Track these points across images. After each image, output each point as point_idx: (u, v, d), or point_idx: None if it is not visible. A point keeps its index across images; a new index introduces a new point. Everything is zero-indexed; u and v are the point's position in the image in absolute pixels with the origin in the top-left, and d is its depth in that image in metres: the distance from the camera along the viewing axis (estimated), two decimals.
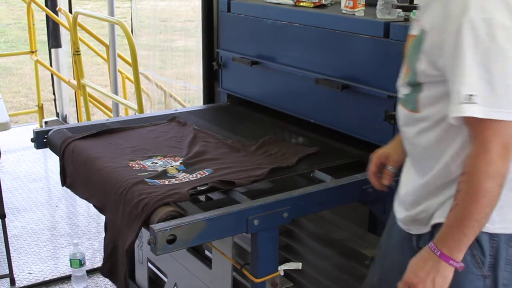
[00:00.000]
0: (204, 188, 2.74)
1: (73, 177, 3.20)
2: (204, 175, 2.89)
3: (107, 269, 2.82)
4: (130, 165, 3.01)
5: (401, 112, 2.28)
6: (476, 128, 1.95)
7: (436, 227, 2.17)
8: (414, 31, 2.19)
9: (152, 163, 3.04)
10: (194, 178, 2.85)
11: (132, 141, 3.34)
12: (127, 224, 2.61)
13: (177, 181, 2.80)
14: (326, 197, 2.77)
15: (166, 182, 2.78)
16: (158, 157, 3.12)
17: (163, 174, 2.89)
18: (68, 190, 3.18)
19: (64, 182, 3.31)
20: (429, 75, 2.09)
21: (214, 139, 3.38)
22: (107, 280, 4.38)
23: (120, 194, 2.71)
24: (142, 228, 2.52)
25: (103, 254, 2.84)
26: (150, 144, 3.32)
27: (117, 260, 2.72)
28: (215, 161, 3.07)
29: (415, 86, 2.17)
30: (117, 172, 2.92)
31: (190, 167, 3.00)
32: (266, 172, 2.92)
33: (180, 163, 3.05)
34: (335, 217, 3.22)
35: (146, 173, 2.88)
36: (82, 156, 3.15)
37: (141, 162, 3.04)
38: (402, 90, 2.26)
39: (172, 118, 3.70)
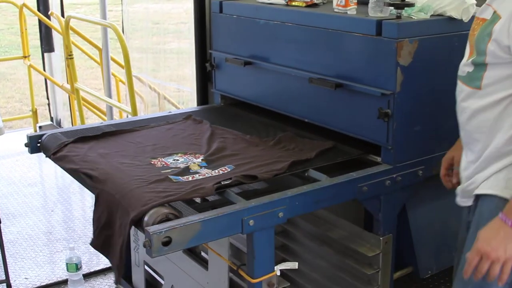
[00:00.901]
0: (228, 182, 2.77)
1: (80, 160, 3.17)
2: (226, 171, 2.93)
3: (100, 242, 2.77)
4: (152, 162, 3.06)
5: (462, 89, 2.51)
6: None
7: (480, 198, 2.42)
8: (484, 14, 2.40)
9: (174, 160, 3.10)
10: (217, 174, 2.90)
11: (151, 140, 3.39)
12: (138, 197, 2.62)
13: (201, 177, 2.85)
14: (321, 196, 2.77)
15: (190, 178, 2.83)
16: (179, 154, 3.17)
17: (186, 170, 2.94)
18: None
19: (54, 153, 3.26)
20: (498, 56, 2.28)
21: (231, 135, 3.43)
22: (104, 283, 4.39)
23: (141, 183, 2.77)
24: (138, 231, 2.51)
25: (93, 228, 2.81)
26: (169, 142, 3.37)
27: (113, 232, 2.67)
28: (235, 156, 3.12)
29: (480, 65, 2.36)
30: (140, 168, 2.98)
31: (212, 163, 3.05)
32: (287, 166, 2.95)
33: (202, 159, 3.10)
34: (331, 216, 3.22)
35: (169, 170, 2.94)
36: (101, 153, 3.19)
37: (163, 160, 3.10)
38: (465, 69, 2.46)
39: (187, 116, 3.74)
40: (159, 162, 3.06)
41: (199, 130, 3.54)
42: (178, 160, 3.10)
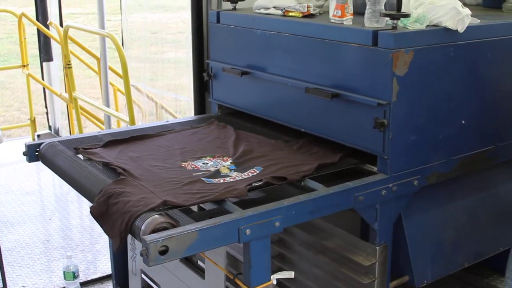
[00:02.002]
0: (259, 184, 2.85)
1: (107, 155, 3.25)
2: (255, 173, 3.00)
3: (101, 210, 2.74)
4: (183, 165, 3.13)
5: None
6: None
7: None
8: None
9: (203, 163, 3.16)
10: (247, 176, 2.96)
11: (178, 144, 3.45)
12: (174, 196, 2.68)
13: (232, 180, 2.93)
14: (317, 206, 2.77)
15: (222, 181, 2.91)
16: (208, 158, 3.24)
17: (217, 173, 3.01)
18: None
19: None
20: None
21: (256, 139, 3.50)
22: None
23: (175, 184, 2.85)
24: (135, 240, 2.52)
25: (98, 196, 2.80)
26: (196, 145, 3.43)
27: (123, 206, 2.63)
28: (262, 158, 3.19)
29: None
30: (172, 171, 3.05)
31: (241, 166, 3.12)
32: (314, 168, 3.02)
33: (231, 162, 3.17)
34: (327, 225, 3.23)
35: (201, 173, 3.02)
36: (132, 156, 3.26)
37: (193, 163, 3.16)
38: None
39: (211, 121, 3.80)
40: (189, 165, 3.13)
41: (223, 134, 3.61)
42: (207, 163, 3.17)
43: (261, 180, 2.87)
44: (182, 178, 2.94)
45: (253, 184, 2.85)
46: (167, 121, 3.92)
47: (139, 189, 2.79)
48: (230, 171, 3.07)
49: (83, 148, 3.32)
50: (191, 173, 3.02)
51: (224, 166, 3.12)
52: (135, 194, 2.71)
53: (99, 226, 2.77)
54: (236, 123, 3.77)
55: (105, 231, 2.69)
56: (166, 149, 3.39)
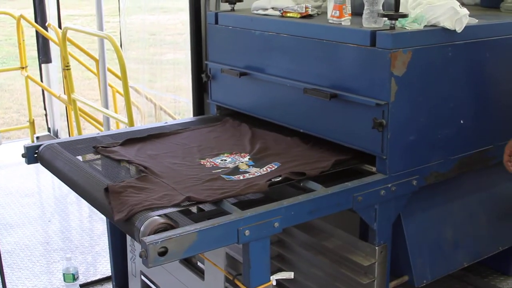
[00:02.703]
0: (279, 179, 2.91)
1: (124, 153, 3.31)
2: (273, 168, 3.09)
3: (117, 191, 2.75)
4: (202, 163, 3.19)
5: None
6: None
7: None
8: None
9: (222, 160, 3.23)
10: (265, 172, 3.03)
11: (195, 142, 3.52)
12: (196, 192, 2.75)
13: (251, 176, 3.00)
14: (316, 206, 2.78)
15: (241, 177, 2.98)
16: (225, 155, 3.31)
17: (236, 170, 3.08)
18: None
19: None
20: None
21: (272, 136, 3.54)
22: None
23: (196, 181, 2.92)
24: (134, 241, 2.52)
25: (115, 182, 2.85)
26: (213, 143, 3.49)
27: (145, 203, 2.64)
28: (279, 155, 3.25)
29: None
30: (191, 168, 3.10)
31: (259, 161, 3.20)
32: (331, 164, 3.08)
33: (249, 158, 3.24)
34: (326, 225, 3.23)
35: (220, 170, 3.09)
36: (150, 154, 3.31)
37: (211, 160, 3.22)
38: None
39: (226, 120, 3.85)
40: (208, 163, 3.19)
41: (239, 131, 3.67)
42: (225, 160, 3.23)
43: (280, 176, 2.93)
44: (202, 175, 3.00)
45: (273, 180, 2.90)
46: (166, 123, 3.92)
47: (161, 186, 2.85)
48: (249, 167, 3.12)
49: (102, 147, 3.37)
50: (210, 170, 3.09)
51: (242, 162, 3.19)
52: (157, 191, 2.77)
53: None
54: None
55: (110, 205, 2.68)
56: (183, 146, 3.44)
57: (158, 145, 3.47)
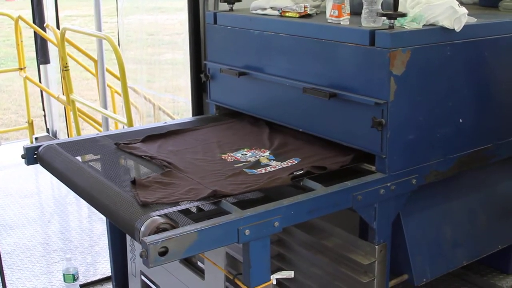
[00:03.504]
0: (301, 172, 2.97)
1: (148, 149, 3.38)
2: (294, 163, 3.14)
3: (144, 185, 2.85)
4: (223, 158, 3.26)
5: None
6: None
7: None
8: None
9: (242, 154, 3.29)
10: (287, 166, 3.09)
11: (214, 138, 3.58)
12: (221, 187, 2.81)
13: (272, 169, 3.07)
14: (316, 205, 2.78)
15: (263, 171, 3.05)
16: (245, 149, 3.37)
17: (257, 164, 3.14)
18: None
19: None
20: None
21: (290, 132, 3.56)
22: None
23: (219, 176, 2.99)
24: (134, 241, 2.53)
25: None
26: (232, 138, 3.55)
27: (172, 198, 2.73)
28: (299, 150, 3.31)
29: None
30: (214, 163, 3.17)
31: (279, 156, 3.26)
32: (350, 158, 3.14)
33: (269, 153, 3.29)
34: (326, 224, 3.24)
35: (241, 164, 3.16)
36: (172, 150, 3.37)
37: (232, 155, 3.29)
38: None
39: (243, 116, 3.88)
40: (229, 157, 3.25)
41: (256, 127, 3.71)
42: (246, 154, 3.29)
43: (302, 169, 2.98)
44: (225, 170, 3.06)
45: (295, 173, 2.95)
46: (165, 123, 3.92)
47: (186, 181, 2.91)
48: (270, 160, 3.19)
49: (124, 143, 3.43)
50: (232, 164, 3.15)
51: (263, 156, 3.24)
52: (183, 186, 2.84)
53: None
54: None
55: (136, 192, 2.75)
56: (202, 142, 3.50)
57: (178, 141, 3.54)
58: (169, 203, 2.66)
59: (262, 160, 3.21)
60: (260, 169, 3.06)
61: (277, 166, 3.10)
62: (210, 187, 2.81)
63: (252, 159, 3.22)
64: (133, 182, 2.86)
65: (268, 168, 3.07)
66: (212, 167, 3.11)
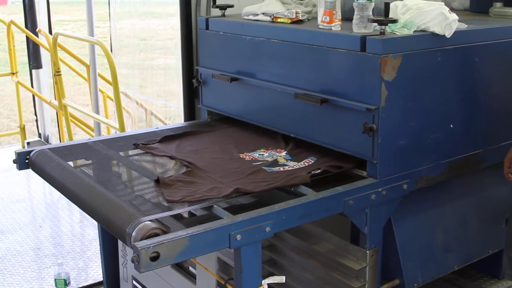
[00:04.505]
0: (318, 171, 3.06)
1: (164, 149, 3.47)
2: (310, 162, 3.22)
3: (167, 184, 2.93)
4: (241, 157, 3.32)
5: None
6: None
7: None
8: None
9: (259, 154, 3.36)
10: (303, 165, 3.18)
11: (229, 138, 3.65)
12: (243, 185, 2.89)
13: (290, 168, 3.15)
14: (308, 210, 2.79)
15: (281, 169, 3.13)
16: (262, 150, 3.43)
17: (275, 163, 3.24)
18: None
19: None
20: None
21: None
22: None
23: (240, 174, 3.06)
24: (126, 246, 2.53)
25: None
26: (247, 139, 3.62)
27: (196, 196, 2.81)
28: (315, 151, 3.34)
29: None
30: (233, 162, 3.24)
31: (296, 156, 3.33)
32: None
33: (286, 153, 3.38)
34: (317, 230, 3.24)
35: (260, 163, 3.24)
36: (190, 150, 3.44)
37: (249, 154, 3.36)
38: None
39: None
40: (247, 157, 3.32)
41: (271, 129, 3.71)
42: (263, 154, 3.36)
43: (319, 168, 3.05)
44: (244, 168, 3.13)
45: (313, 172, 3.02)
46: (157, 128, 3.92)
47: (208, 180, 2.99)
48: (287, 160, 3.24)
49: (142, 144, 3.52)
50: (251, 163, 3.21)
51: (280, 156, 3.30)
52: (205, 184, 2.91)
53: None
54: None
55: (161, 191, 2.85)
56: (219, 143, 3.56)
57: (194, 141, 3.60)
58: (194, 201, 2.75)
59: (279, 160, 3.27)
60: (278, 168, 3.14)
61: (294, 166, 3.17)
62: (232, 185, 2.88)
63: (269, 159, 3.29)
64: (157, 181, 2.96)
65: (286, 167, 3.15)
66: (231, 166, 3.19)
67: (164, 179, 2.96)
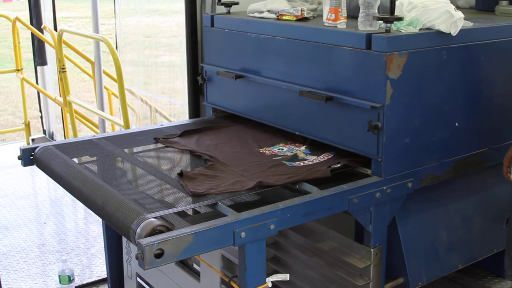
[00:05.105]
0: (338, 165, 3.09)
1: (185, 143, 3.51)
2: (330, 156, 3.25)
3: (190, 177, 2.98)
4: (261, 151, 3.36)
5: None
6: None
7: None
8: None
9: (279, 149, 3.39)
10: (323, 160, 3.22)
11: (248, 133, 3.70)
12: (264, 178, 2.92)
13: (310, 162, 3.19)
14: (312, 208, 2.78)
15: (301, 164, 3.17)
16: (281, 144, 3.47)
17: (295, 157, 3.29)
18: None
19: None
20: None
21: None
22: None
23: (260, 167, 3.11)
24: (130, 243, 2.53)
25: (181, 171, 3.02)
26: (265, 134, 3.63)
27: (219, 189, 2.86)
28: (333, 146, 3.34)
29: None
30: (253, 156, 3.28)
31: (315, 151, 3.36)
32: None
33: (305, 147, 3.41)
34: (322, 228, 3.24)
35: (280, 157, 3.28)
36: (210, 144, 3.52)
37: (269, 149, 3.39)
38: None
39: None
40: (266, 151, 3.36)
41: None
42: (282, 149, 3.39)
43: (339, 163, 3.08)
44: (265, 162, 3.20)
45: (333, 166, 3.04)
46: (162, 125, 3.92)
47: (230, 173, 3.03)
48: (306, 155, 3.27)
49: (163, 138, 3.56)
50: (271, 157, 3.25)
51: (300, 151, 3.33)
52: (228, 178, 2.95)
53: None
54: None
55: (185, 184, 2.88)
56: (238, 137, 3.59)
57: (213, 136, 3.64)
58: (218, 193, 2.79)
59: (299, 154, 3.30)
60: (298, 162, 3.18)
61: (314, 160, 3.20)
62: (254, 178, 2.91)
63: (289, 154, 3.31)
64: (180, 174, 2.99)
65: (306, 162, 3.18)
66: (252, 160, 3.22)
67: (188, 172, 3.00)
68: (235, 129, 3.76)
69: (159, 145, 3.57)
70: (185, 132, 3.67)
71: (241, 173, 3.03)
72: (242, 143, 3.52)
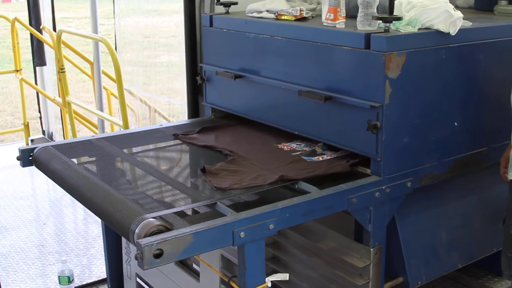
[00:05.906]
0: (357, 160, 3.13)
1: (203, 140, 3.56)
2: (346, 153, 3.26)
3: (213, 172, 3.04)
4: (280, 147, 3.41)
5: None
6: None
7: None
8: None
9: (297, 144, 3.44)
10: (341, 155, 3.27)
11: (262, 131, 3.70)
12: (285, 172, 2.98)
13: (328, 157, 3.26)
14: (311, 208, 2.79)
15: (320, 159, 3.24)
16: (299, 140, 3.48)
17: (314, 152, 3.35)
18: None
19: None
20: None
21: None
22: None
23: (280, 162, 3.16)
24: (129, 244, 2.53)
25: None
26: (282, 130, 3.57)
27: (242, 184, 2.92)
28: None
29: None
30: (272, 152, 3.33)
31: (332, 146, 3.35)
32: None
33: (322, 143, 3.42)
34: (321, 227, 3.24)
35: (298, 152, 3.35)
36: (229, 140, 3.58)
37: (287, 144, 3.44)
38: None
39: None
40: (285, 147, 3.42)
41: None
42: (300, 144, 3.44)
43: (357, 157, 3.10)
44: (284, 157, 3.27)
45: (351, 161, 3.14)
46: (161, 125, 3.92)
47: (251, 168, 3.08)
48: (324, 150, 3.31)
49: (182, 135, 3.61)
50: (290, 153, 3.30)
51: (317, 146, 3.37)
52: (249, 173, 3.00)
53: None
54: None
55: (209, 180, 2.95)
56: (256, 133, 3.63)
57: (232, 132, 3.71)
58: (241, 188, 2.85)
59: (317, 149, 3.34)
60: (317, 157, 3.25)
61: (332, 155, 3.27)
62: (276, 172, 2.95)
63: (307, 149, 3.36)
64: (203, 170, 3.05)
65: (325, 157, 3.25)
66: (272, 155, 3.28)
67: (210, 168, 3.05)
68: (254, 126, 3.77)
69: (159, 145, 3.57)
70: (204, 129, 3.72)
71: (262, 167, 3.09)
72: (260, 139, 3.57)
